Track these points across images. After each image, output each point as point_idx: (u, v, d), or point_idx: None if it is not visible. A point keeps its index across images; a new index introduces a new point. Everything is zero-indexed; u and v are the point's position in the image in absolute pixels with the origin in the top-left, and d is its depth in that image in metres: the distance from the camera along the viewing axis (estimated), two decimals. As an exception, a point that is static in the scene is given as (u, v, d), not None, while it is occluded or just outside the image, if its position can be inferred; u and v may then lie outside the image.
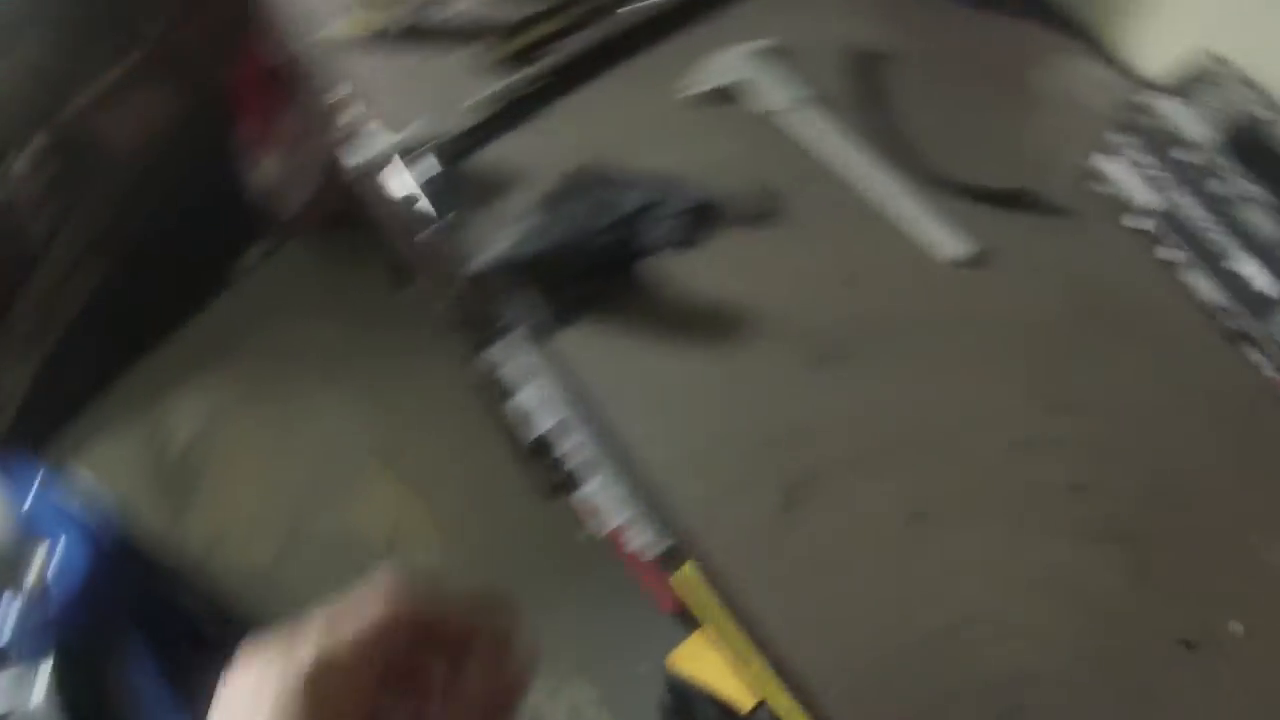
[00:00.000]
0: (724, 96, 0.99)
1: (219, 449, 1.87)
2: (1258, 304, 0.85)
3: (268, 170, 1.74)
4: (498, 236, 0.88)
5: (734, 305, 0.87)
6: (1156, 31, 1.02)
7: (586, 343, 0.86)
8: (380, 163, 0.95)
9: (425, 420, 1.83)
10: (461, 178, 0.94)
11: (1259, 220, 0.84)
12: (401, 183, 0.94)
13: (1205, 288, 0.89)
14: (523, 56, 1.01)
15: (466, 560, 1.66)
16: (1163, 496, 0.80)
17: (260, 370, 1.94)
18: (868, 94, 1.00)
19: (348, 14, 1.04)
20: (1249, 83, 0.92)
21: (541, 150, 0.96)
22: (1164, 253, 0.91)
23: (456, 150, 0.94)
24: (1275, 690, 0.72)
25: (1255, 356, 0.87)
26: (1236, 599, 0.76)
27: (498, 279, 0.88)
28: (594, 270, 0.87)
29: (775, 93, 0.98)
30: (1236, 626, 0.74)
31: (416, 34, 1.04)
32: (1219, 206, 0.85)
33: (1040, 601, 0.75)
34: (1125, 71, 1.05)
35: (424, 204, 0.93)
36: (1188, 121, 0.88)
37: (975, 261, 0.90)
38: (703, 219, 0.90)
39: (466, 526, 1.75)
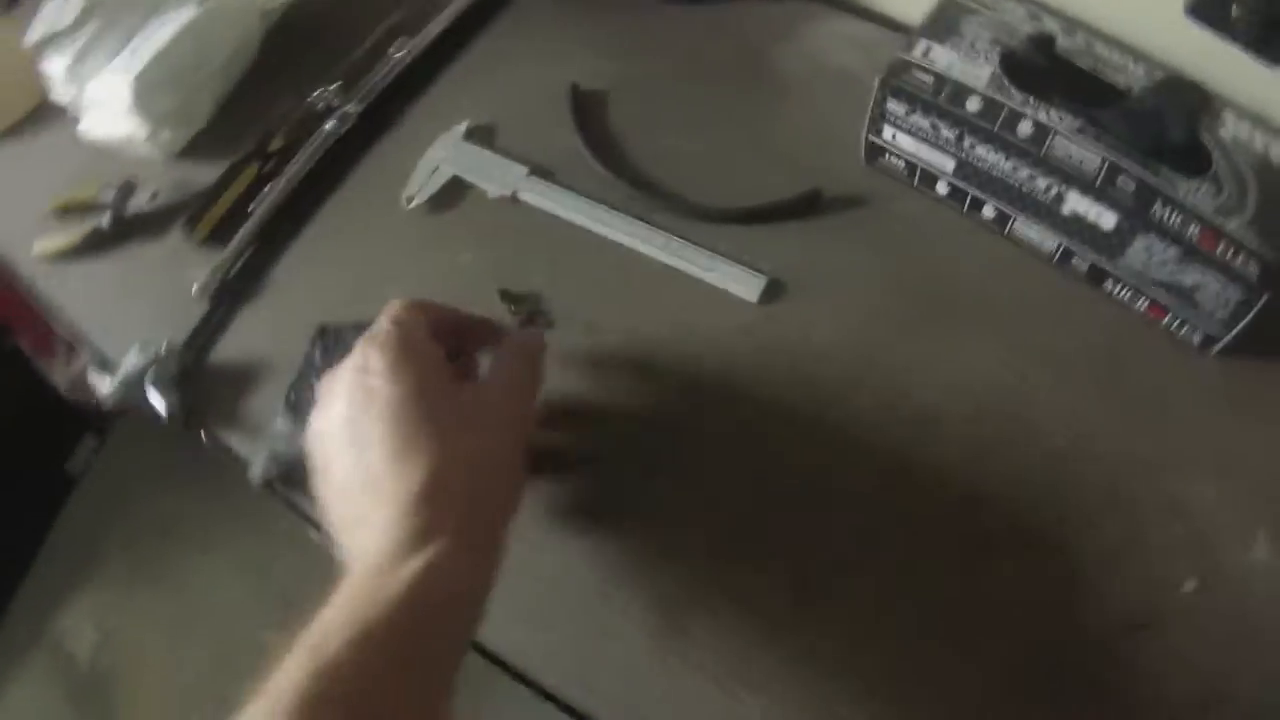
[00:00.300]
0: (454, 192, 0.88)
1: (125, 650, 1.80)
2: (1109, 241, 0.75)
3: (61, 371, 1.64)
4: (259, 444, 0.77)
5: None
6: None
7: None
8: (117, 399, 0.84)
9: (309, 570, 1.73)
10: (201, 391, 0.81)
11: (1075, 151, 0.73)
12: (153, 406, 0.83)
13: (1043, 238, 0.79)
14: (228, 224, 0.90)
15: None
16: (1064, 477, 0.71)
17: (135, 557, 1.87)
18: (604, 142, 0.89)
19: (44, 232, 0.92)
20: None
21: (280, 321, 0.83)
22: (988, 213, 0.81)
23: (185, 363, 0.82)
24: (1243, 628, 0.65)
25: (1122, 292, 0.78)
26: (1175, 556, 0.67)
27: (279, 486, 0.78)
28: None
29: (501, 175, 0.87)
30: (1188, 584, 0.66)
31: (120, 233, 0.91)
32: (1027, 149, 0.75)
33: (959, 646, 0.66)
34: (883, 20, 0.96)
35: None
36: (959, 63, 0.77)
37: (777, 292, 0.80)
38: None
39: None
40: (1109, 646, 0.65)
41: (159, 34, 0.92)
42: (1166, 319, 0.76)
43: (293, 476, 0.75)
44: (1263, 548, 0.67)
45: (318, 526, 0.76)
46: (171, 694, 1.70)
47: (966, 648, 0.66)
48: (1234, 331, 0.73)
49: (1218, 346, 0.75)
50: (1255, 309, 0.70)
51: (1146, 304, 0.76)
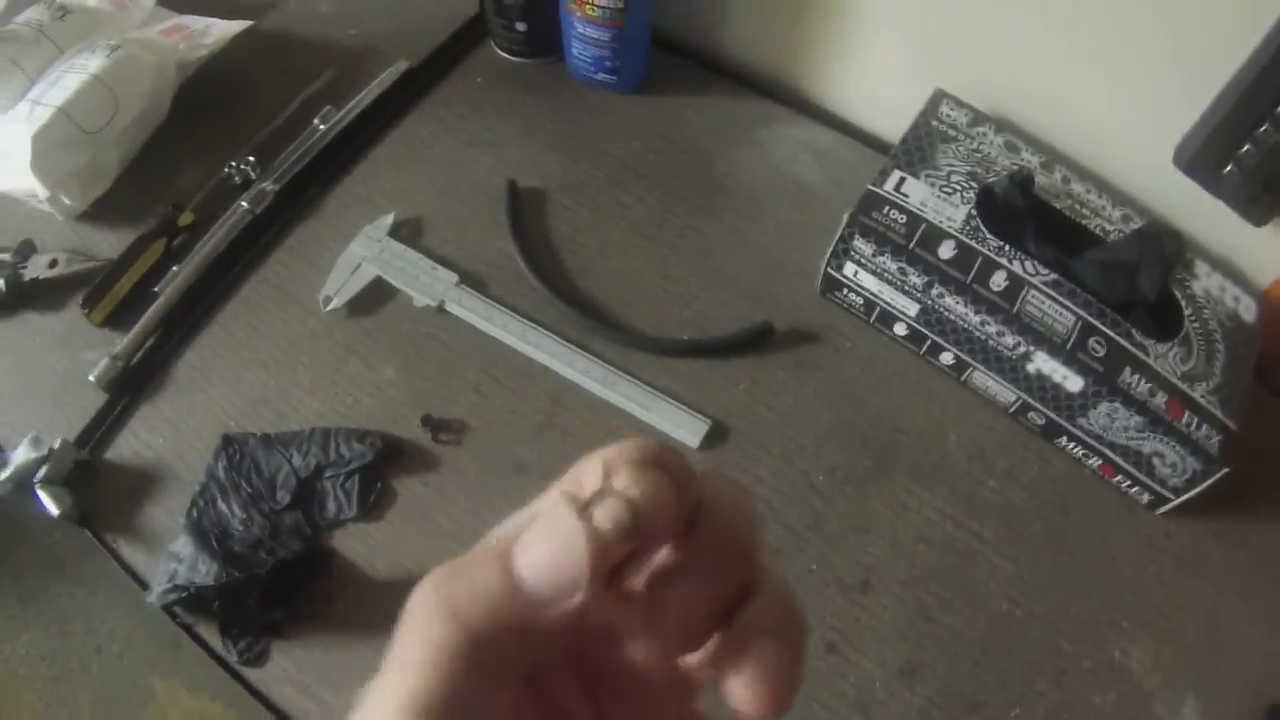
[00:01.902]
0: (376, 295, 0.81)
1: (5, 687, 1.69)
2: (1071, 403, 0.71)
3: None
4: (158, 562, 0.71)
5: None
6: (875, 76, 0.88)
7: (287, 676, 0.68)
8: (5, 494, 0.77)
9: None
10: (95, 493, 0.75)
11: (1048, 308, 0.69)
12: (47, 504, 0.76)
13: (1002, 390, 0.75)
14: (129, 305, 0.82)
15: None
16: (1005, 641, 0.69)
17: (24, 591, 1.76)
18: (541, 251, 0.82)
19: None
20: (988, 119, 0.78)
21: (183, 423, 0.77)
22: (946, 359, 0.76)
23: (79, 462, 0.75)
24: None
25: (1075, 449, 0.74)
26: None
27: (180, 612, 0.72)
28: (276, 581, 0.72)
29: (428, 282, 0.80)
30: None
31: (16, 299, 0.82)
32: (999, 304, 0.70)
33: None
34: (845, 127, 0.90)
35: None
36: (933, 200, 0.72)
37: (720, 437, 0.75)
38: (381, 473, 0.75)
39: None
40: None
41: (64, 84, 0.83)
42: (1117, 479, 0.73)
43: (194, 604, 0.69)
44: (1190, 711, 0.67)
45: (220, 660, 0.70)
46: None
47: None
48: (1186, 496, 0.70)
49: (1167, 507, 0.72)
50: (1212, 479, 0.68)
51: (1099, 462, 0.73)
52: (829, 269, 0.77)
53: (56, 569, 1.75)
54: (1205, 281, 0.74)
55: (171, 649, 1.61)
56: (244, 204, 0.83)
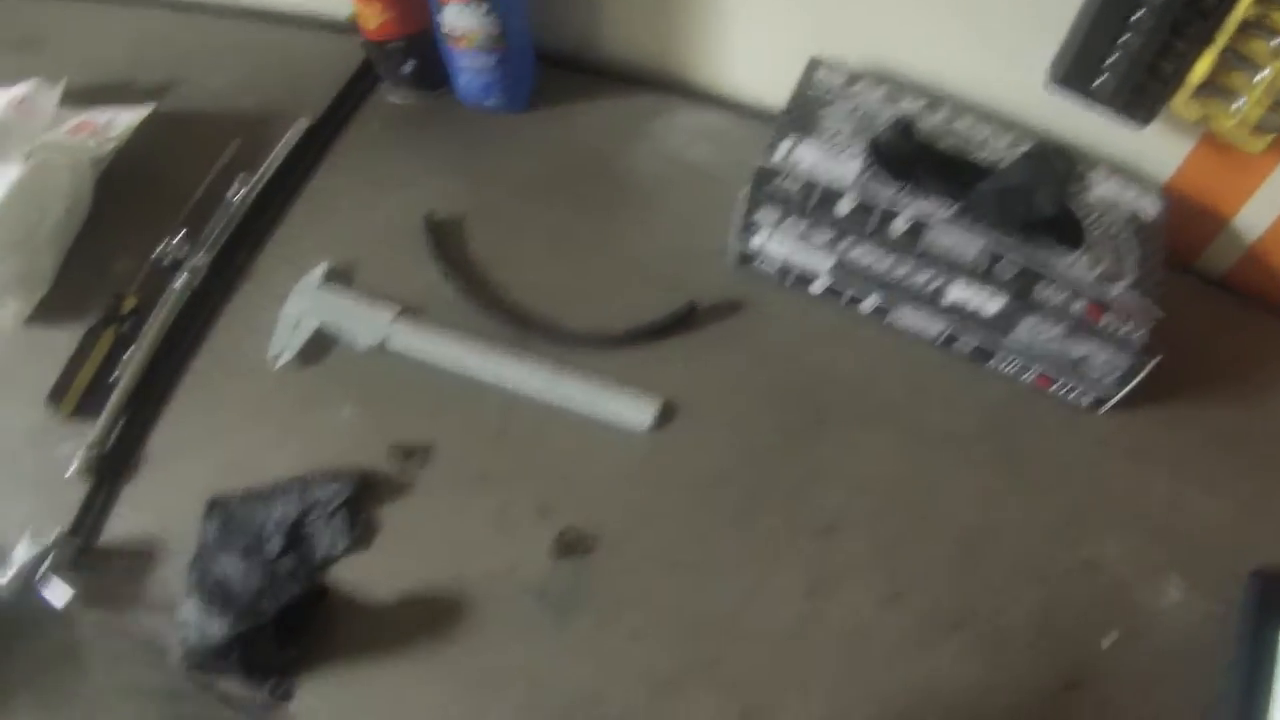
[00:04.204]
0: (322, 344, 0.84)
1: None
2: (994, 325, 0.75)
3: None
4: (171, 629, 0.74)
5: (439, 590, 0.74)
6: (751, 52, 0.92)
7: (312, 712, 0.72)
8: (12, 592, 0.80)
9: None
10: (97, 576, 0.78)
11: (954, 240, 0.73)
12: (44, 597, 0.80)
13: (926, 325, 0.79)
14: (92, 395, 0.86)
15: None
16: (977, 556, 0.73)
17: (42, 685, 1.70)
18: (468, 274, 0.86)
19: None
20: (867, 75, 0.81)
21: (165, 497, 0.80)
22: (867, 306, 0.80)
23: (79, 549, 0.80)
24: (1169, 669, 0.69)
25: (1008, 366, 0.78)
26: (1093, 615, 0.71)
27: (198, 674, 0.76)
28: (285, 624, 0.76)
29: (367, 323, 0.83)
30: (1110, 638, 0.70)
31: None
32: (905, 244, 0.74)
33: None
34: (732, 105, 0.95)
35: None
36: (824, 161, 0.76)
37: (667, 417, 0.78)
38: (360, 506, 0.79)
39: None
40: (1047, 713, 0.68)
41: (-13, 196, 0.85)
42: (1054, 387, 0.77)
43: (214, 660, 0.73)
44: (1175, 589, 0.71)
45: (236, 708, 0.75)
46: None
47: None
48: (1123, 392, 0.74)
49: (1107, 405, 0.76)
50: (1145, 371, 0.71)
51: (1034, 375, 0.77)
52: (739, 243, 0.80)
53: (71, 659, 1.73)
54: (1102, 188, 0.78)
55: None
56: (180, 282, 0.86)
